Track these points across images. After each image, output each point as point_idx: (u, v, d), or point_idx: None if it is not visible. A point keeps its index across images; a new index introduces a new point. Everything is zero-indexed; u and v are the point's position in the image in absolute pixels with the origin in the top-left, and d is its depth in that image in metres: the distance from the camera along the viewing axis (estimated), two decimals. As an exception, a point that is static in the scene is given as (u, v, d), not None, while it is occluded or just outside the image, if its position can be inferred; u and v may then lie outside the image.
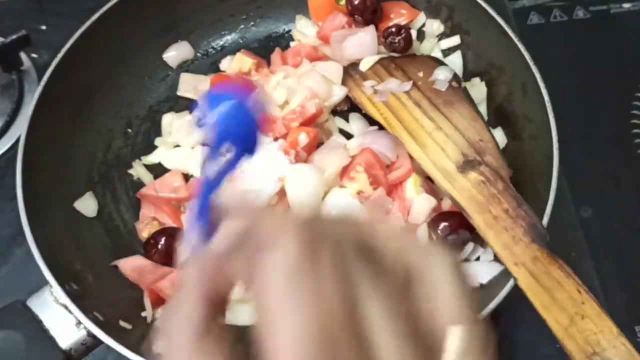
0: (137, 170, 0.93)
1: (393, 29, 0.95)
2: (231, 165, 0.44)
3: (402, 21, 1.00)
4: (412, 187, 0.84)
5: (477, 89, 0.93)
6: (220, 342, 0.35)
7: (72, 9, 1.13)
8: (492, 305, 0.69)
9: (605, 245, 0.95)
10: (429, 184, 0.85)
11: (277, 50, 1.01)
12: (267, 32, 1.06)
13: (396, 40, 0.94)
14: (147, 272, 0.80)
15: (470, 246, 0.80)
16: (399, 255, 0.35)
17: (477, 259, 0.81)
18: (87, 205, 0.87)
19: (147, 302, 0.79)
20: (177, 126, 0.94)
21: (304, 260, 0.33)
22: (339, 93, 0.92)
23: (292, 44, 1.03)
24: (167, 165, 0.93)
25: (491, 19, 0.90)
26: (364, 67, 0.95)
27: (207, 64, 1.03)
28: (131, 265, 0.82)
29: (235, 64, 0.99)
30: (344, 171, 0.86)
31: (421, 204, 0.82)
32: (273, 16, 1.06)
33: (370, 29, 0.96)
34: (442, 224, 0.79)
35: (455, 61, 0.97)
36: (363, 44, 0.95)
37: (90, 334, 0.71)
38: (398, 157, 0.87)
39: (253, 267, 0.34)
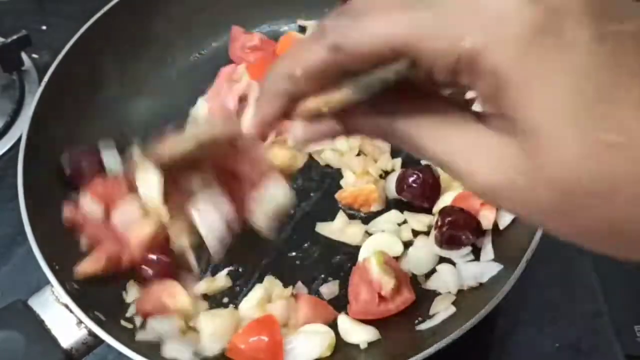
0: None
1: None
2: None
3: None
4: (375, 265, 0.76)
5: (477, 89, 0.93)
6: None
7: (72, 9, 1.13)
8: (492, 305, 0.70)
9: (605, 245, 0.95)
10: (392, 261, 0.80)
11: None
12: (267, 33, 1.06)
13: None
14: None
15: (469, 246, 0.80)
16: None
17: (477, 259, 0.81)
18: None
19: None
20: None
21: None
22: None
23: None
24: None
25: (491, 19, 0.90)
26: None
27: (207, 64, 1.03)
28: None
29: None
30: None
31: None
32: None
33: None
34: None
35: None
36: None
37: (91, 333, 0.71)
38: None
39: None
